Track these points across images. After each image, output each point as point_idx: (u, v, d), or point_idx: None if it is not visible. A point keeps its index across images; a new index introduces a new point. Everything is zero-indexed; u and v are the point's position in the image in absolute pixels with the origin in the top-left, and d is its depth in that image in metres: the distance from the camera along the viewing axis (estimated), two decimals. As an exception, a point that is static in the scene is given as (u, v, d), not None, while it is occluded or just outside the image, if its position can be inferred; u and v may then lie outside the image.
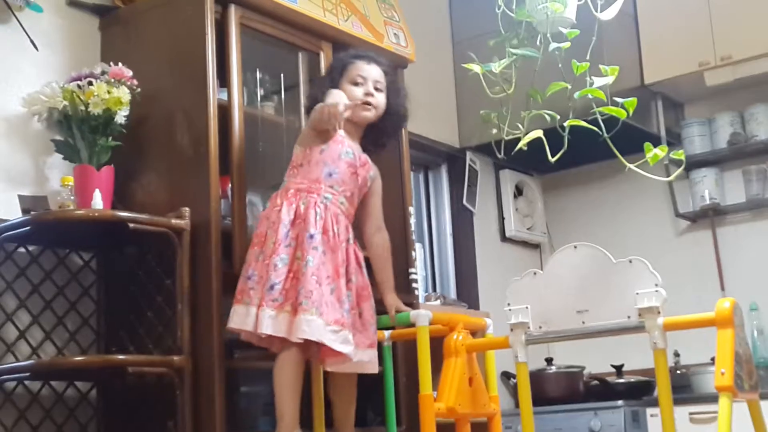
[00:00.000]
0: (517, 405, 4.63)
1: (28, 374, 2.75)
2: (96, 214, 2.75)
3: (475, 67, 2.55)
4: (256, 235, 2.68)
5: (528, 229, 5.40)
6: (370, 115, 2.83)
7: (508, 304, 2.67)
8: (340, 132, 2.77)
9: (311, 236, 2.60)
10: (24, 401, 2.82)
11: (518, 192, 5.41)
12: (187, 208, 2.80)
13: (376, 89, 2.84)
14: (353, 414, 2.77)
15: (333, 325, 2.53)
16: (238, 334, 2.65)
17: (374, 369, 2.73)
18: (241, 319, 2.58)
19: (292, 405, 2.57)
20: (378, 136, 2.90)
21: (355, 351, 2.63)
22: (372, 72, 2.84)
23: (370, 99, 2.81)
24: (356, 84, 2.81)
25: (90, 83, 2.86)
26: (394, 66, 2.95)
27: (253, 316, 2.55)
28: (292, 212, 2.65)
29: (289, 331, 2.52)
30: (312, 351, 2.63)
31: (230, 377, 2.81)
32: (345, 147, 2.76)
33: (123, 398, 2.92)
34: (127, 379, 2.72)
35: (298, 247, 2.60)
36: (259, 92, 3.18)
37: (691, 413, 4.25)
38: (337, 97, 2.66)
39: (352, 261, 2.71)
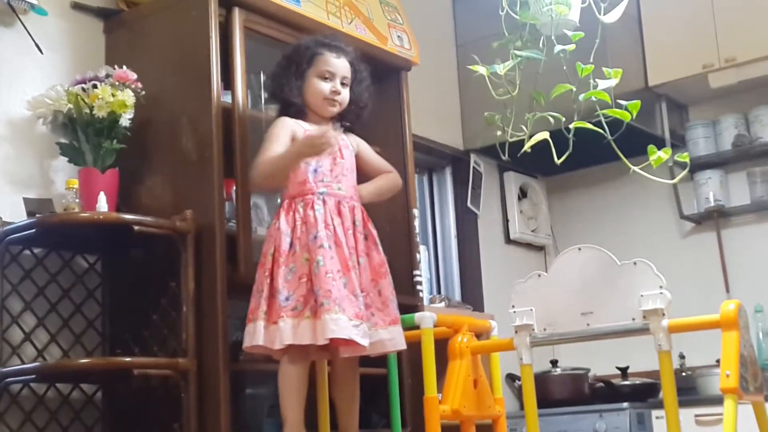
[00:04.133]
0: (521, 407, 4.62)
1: (33, 376, 2.75)
2: (101, 217, 2.75)
3: (481, 69, 2.56)
4: (262, 254, 2.68)
5: (532, 231, 5.40)
6: (335, 110, 2.83)
7: (513, 306, 2.67)
8: (307, 127, 2.76)
9: (315, 237, 2.60)
10: (29, 403, 2.82)
11: (522, 194, 5.41)
12: (191, 211, 2.80)
13: (343, 84, 2.82)
14: (357, 414, 2.77)
15: (354, 319, 2.53)
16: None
17: (399, 346, 2.72)
18: (250, 336, 2.58)
19: (297, 408, 2.58)
20: (338, 122, 2.89)
21: (375, 331, 2.63)
22: (340, 67, 2.81)
23: (336, 97, 2.80)
24: (324, 78, 2.79)
25: (94, 86, 2.87)
26: (359, 55, 2.92)
27: (261, 330, 2.55)
28: (291, 220, 2.65)
29: (314, 336, 2.52)
30: (313, 350, 2.62)
31: (235, 379, 2.81)
32: None
33: (128, 400, 2.93)
34: (132, 381, 2.72)
35: (304, 249, 2.60)
36: (263, 95, 3.18)
37: (696, 415, 4.24)
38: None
39: (361, 243, 2.70)
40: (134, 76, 2.95)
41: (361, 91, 2.88)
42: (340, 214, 2.69)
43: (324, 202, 2.67)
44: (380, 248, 2.76)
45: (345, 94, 2.83)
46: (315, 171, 2.71)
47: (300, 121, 2.79)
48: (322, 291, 2.53)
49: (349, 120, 2.89)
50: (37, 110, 2.90)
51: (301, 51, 2.82)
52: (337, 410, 2.77)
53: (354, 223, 2.71)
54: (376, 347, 2.66)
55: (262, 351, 2.60)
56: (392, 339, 2.69)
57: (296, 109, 2.80)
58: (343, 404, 2.76)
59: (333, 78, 2.80)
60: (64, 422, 2.89)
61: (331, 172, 2.73)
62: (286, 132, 2.74)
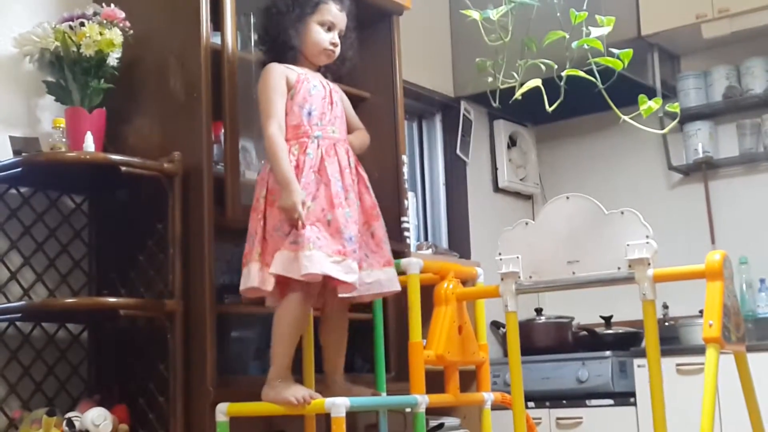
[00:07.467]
0: (505, 354, 4.67)
1: (19, 315, 2.75)
2: (88, 157, 2.73)
3: (474, 14, 2.53)
4: (255, 198, 2.67)
5: (521, 179, 5.41)
6: (328, 61, 2.82)
7: (499, 254, 2.68)
8: (300, 71, 2.74)
9: (301, 183, 2.59)
10: (15, 342, 2.83)
11: (512, 142, 5.41)
12: (179, 153, 2.79)
13: (339, 36, 2.81)
14: (343, 357, 2.79)
15: (335, 255, 2.54)
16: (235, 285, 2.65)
17: (394, 287, 2.72)
18: (245, 279, 2.59)
19: (288, 350, 2.58)
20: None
21: (372, 272, 2.66)
22: (341, 20, 2.81)
23: (335, 49, 2.79)
24: (325, 28, 2.77)
25: (82, 24, 2.83)
26: (354, 10, 2.90)
27: (255, 272, 2.56)
28: None
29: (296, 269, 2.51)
30: (315, 291, 2.63)
31: (221, 322, 2.82)
32: (311, 83, 2.73)
33: (114, 340, 2.94)
34: (118, 321, 2.73)
35: None
36: (253, 37, 3.15)
37: (678, 364, 4.29)
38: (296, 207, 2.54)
39: (357, 183, 2.71)
40: (122, 14, 2.91)
41: (347, 47, 2.86)
42: (336, 154, 2.68)
43: (318, 145, 2.66)
44: (371, 191, 2.76)
45: (339, 48, 2.82)
46: (309, 114, 2.69)
47: (291, 66, 2.76)
48: (298, 235, 2.53)
49: (331, 71, 2.88)
50: (24, 48, 2.86)
51: None
52: (324, 353, 2.79)
53: (349, 164, 2.71)
54: (373, 287, 2.67)
55: (259, 294, 2.60)
56: (389, 280, 2.70)
57: (291, 54, 2.77)
58: (330, 347, 2.78)
59: (333, 29, 2.79)
60: (50, 361, 2.90)
61: (325, 116, 2.71)
62: (281, 79, 2.70)
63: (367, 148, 2.93)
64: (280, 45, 2.77)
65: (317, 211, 2.57)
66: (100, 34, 2.82)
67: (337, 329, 2.77)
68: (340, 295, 2.62)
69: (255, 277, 2.56)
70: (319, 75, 2.81)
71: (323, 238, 2.54)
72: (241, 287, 2.60)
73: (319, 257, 2.50)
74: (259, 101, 2.70)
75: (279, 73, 2.71)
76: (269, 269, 2.54)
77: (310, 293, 2.61)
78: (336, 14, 2.79)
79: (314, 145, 2.65)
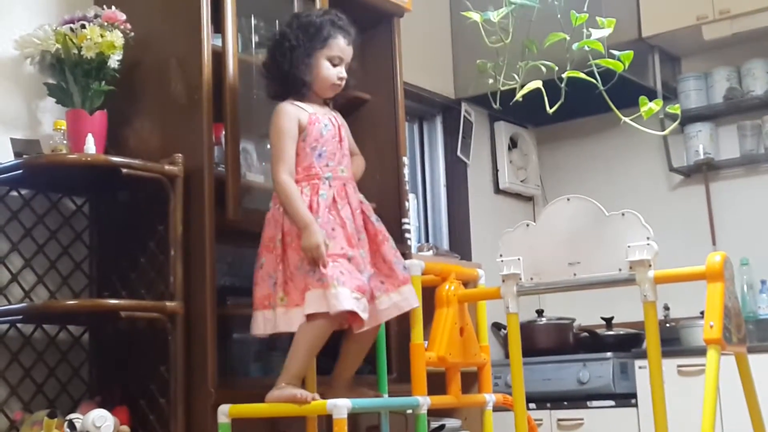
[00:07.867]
0: (506, 355, 4.67)
1: (20, 317, 2.75)
2: (89, 159, 2.73)
3: (475, 16, 2.53)
4: (269, 238, 2.67)
5: (522, 181, 5.41)
6: (334, 94, 2.83)
7: (501, 256, 2.68)
8: (311, 111, 2.74)
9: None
10: (16, 344, 2.83)
11: (512, 144, 5.41)
12: (180, 155, 2.79)
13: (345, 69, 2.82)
14: (356, 369, 2.80)
15: (356, 292, 2.55)
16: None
17: (412, 304, 2.74)
18: (268, 323, 2.62)
19: (304, 363, 2.60)
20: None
21: (388, 297, 2.68)
22: (348, 53, 2.80)
23: (342, 83, 2.80)
24: (333, 63, 2.77)
25: (83, 26, 2.83)
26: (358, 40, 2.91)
27: (281, 317, 2.59)
28: None
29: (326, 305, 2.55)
30: (340, 319, 2.64)
31: (222, 323, 2.82)
32: (322, 122, 2.73)
33: (115, 342, 2.94)
34: (119, 323, 2.73)
35: None
36: (254, 39, 3.15)
37: (679, 366, 4.29)
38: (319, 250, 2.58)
39: (359, 220, 2.72)
40: (123, 16, 2.91)
41: (350, 76, 2.86)
42: (347, 195, 2.70)
43: (330, 186, 2.67)
44: (373, 218, 2.77)
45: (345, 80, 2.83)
46: (320, 155, 2.70)
47: (300, 104, 2.74)
48: (322, 274, 2.55)
49: (333, 100, 2.89)
50: (25, 50, 2.87)
51: (314, 29, 2.76)
52: (340, 358, 2.77)
53: (355, 204, 2.73)
54: (390, 311, 2.70)
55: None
56: (405, 299, 2.71)
57: (303, 90, 2.76)
58: (349, 356, 2.77)
59: (341, 63, 2.79)
60: (51, 363, 2.90)
61: (335, 155, 2.73)
62: (293, 123, 2.69)
63: (368, 149, 2.93)
64: (292, 79, 2.75)
65: (337, 248, 2.60)
66: (101, 36, 2.82)
67: (361, 341, 2.76)
68: (356, 332, 2.64)
69: (281, 321, 2.60)
70: (327, 111, 2.82)
71: (345, 272, 2.57)
72: (263, 330, 2.63)
73: (345, 294, 2.53)
74: (270, 142, 2.72)
75: (291, 115, 2.70)
76: (296, 309, 2.57)
77: (336, 320, 2.62)
78: (344, 48, 2.78)
79: (326, 185, 2.67)
